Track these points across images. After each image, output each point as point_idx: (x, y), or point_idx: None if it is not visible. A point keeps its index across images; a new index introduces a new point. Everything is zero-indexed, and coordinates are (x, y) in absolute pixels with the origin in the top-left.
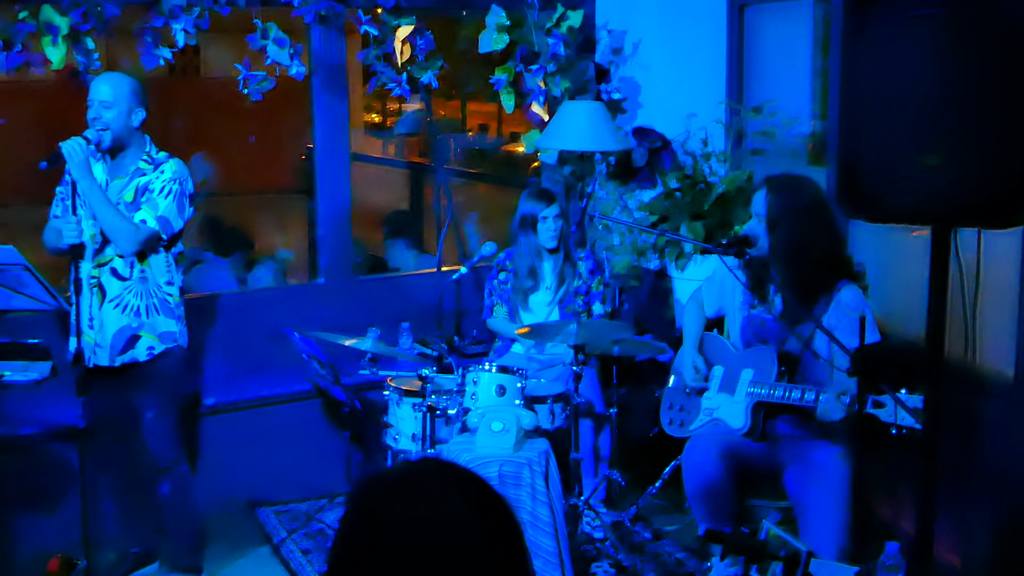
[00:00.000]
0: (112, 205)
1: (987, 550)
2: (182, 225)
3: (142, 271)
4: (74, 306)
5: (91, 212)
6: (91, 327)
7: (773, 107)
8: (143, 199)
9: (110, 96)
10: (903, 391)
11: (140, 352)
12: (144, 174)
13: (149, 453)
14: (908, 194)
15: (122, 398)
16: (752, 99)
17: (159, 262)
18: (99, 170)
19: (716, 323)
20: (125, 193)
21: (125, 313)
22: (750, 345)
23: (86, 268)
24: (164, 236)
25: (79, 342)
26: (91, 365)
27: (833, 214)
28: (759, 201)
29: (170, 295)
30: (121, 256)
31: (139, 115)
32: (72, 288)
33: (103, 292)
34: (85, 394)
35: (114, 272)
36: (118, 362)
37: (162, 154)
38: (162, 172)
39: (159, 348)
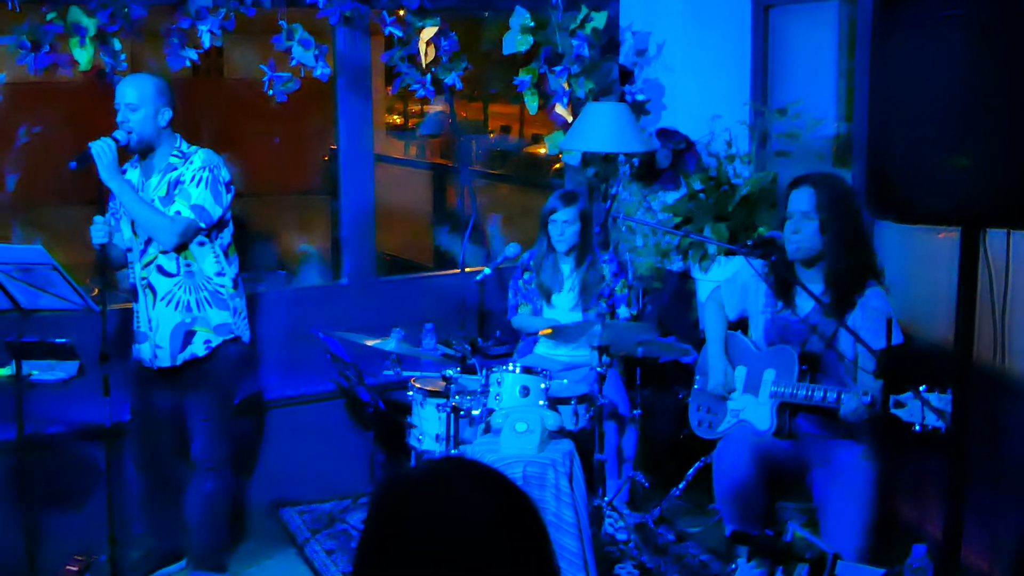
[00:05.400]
0: (145, 202)
1: (1016, 555)
2: (221, 212)
3: (187, 264)
4: (135, 313)
5: (127, 213)
6: (150, 329)
7: (798, 108)
8: (176, 191)
9: (135, 99)
10: (923, 387)
11: (198, 347)
12: (175, 168)
13: (194, 452)
14: (937, 195)
15: (176, 397)
16: (777, 100)
17: (205, 254)
18: (135, 175)
19: (738, 324)
20: (159, 189)
21: (177, 310)
22: (773, 345)
23: (137, 271)
24: (203, 224)
25: (140, 346)
26: (155, 368)
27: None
28: (802, 198)
29: (222, 286)
30: (164, 252)
31: (166, 115)
32: (132, 296)
33: (154, 292)
34: (135, 392)
35: (160, 270)
36: (179, 360)
37: (192, 147)
38: (191, 163)
39: (216, 341)
